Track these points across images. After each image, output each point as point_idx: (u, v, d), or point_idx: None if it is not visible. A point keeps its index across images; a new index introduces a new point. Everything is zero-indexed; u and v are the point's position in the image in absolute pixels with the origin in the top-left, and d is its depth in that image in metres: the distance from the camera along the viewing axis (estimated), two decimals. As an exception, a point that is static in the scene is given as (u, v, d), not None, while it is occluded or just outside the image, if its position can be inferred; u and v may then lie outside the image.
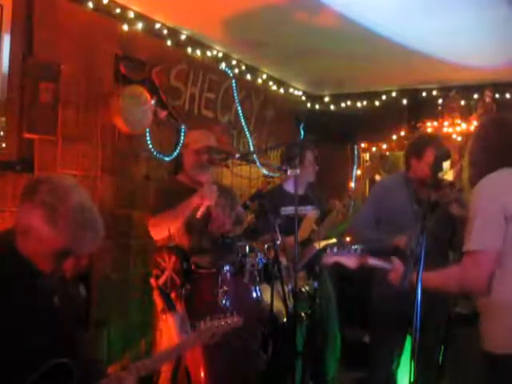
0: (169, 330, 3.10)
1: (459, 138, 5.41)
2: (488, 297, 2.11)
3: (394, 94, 5.83)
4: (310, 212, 4.01)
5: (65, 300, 1.90)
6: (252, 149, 5.24)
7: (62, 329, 1.85)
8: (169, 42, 4.22)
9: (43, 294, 1.83)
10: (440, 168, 2.46)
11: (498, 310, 2.11)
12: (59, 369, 1.76)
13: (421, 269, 2.10)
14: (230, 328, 2.33)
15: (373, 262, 2.50)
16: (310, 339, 3.61)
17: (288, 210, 3.85)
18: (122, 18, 3.80)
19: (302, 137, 5.86)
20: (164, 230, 3.10)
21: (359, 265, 2.51)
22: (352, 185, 6.14)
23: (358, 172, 6.18)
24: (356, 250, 2.51)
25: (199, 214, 3.14)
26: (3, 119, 3.05)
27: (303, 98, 6.17)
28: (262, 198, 3.29)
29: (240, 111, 5.11)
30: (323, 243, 3.96)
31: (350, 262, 2.52)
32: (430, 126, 5.64)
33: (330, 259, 2.56)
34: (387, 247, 3.18)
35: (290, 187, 4.01)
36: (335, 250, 2.53)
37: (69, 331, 1.89)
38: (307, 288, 3.57)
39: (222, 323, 2.31)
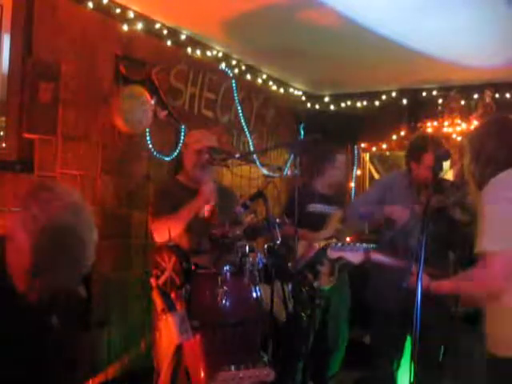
0: (169, 330, 3.10)
1: (459, 138, 5.41)
2: (498, 301, 2.07)
3: (394, 94, 5.83)
4: (336, 211, 4.09)
5: (66, 316, 1.78)
6: (252, 149, 5.24)
7: (58, 347, 1.75)
8: (169, 42, 4.22)
9: (32, 314, 1.67)
10: (440, 168, 2.46)
11: (507, 313, 2.08)
12: None
13: (421, 269, 2.10)
14: (258, 381, 2.10)
15: (377, 257, 2.52)
16: (316, 339, 3.62)
17: (316, 207, 3.95)
18: (122, 17, 3.80)
19: (302, 136, 5.88)
20: (165, 235, 3.09)
21: (363, 260, 2.53)
22: (352, 185, 6.15)
23: (358, 172, 6.19)
24: (360, 246, 2.54)
25: (206, 213, 3.19)
26: (3, 119, 3.05)
27: (303, 98, 6.17)
28: (264, 197, 3.28)
29: (240, 111, 5.11)
30: (323, 243, 3.97)
31: (353, 257, 2.55)
32: (429, 126, 5.64)
33: (334, 254, 2.60)
34: (379, 218, 3.24)
35: (318, 186, 4.14)
36: (340, 245, 2.57)
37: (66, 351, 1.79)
38: (307, 288, 3.57)
39: (250, 375, 2.09)
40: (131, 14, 3.83)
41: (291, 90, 5.93)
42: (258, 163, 4.71)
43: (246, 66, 5.11)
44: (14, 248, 1.60)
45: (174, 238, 3.13)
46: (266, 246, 3.29)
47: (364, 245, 2.56)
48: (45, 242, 1.55)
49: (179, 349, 3.03)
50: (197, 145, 3.39)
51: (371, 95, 5.95)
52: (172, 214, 3.16)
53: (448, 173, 3.25)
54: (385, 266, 2.53)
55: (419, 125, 5.70)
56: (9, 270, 1.62)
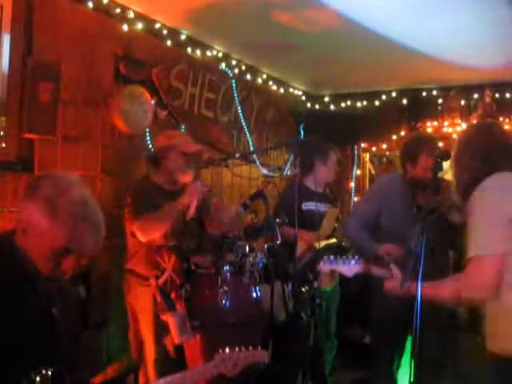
0: (148, 329, 3.12)
1: (459, 138, 5.40)
2: (497, 301, 2.07)
3: (393, 94, 5.84)
4: (331, 209, 4.09)
5: (64, 308, 1.84)
6: (252, 149, 5.25)
7: (58, 336, 1.80)
8: (169, 42, 4.22)
9: (42, 299, 1.77)
10: (440, 168, 2.45)
11: (507, 314, 2.08)
12: (53, 377, 1.70)
13: (421, 269, 2.09)
14: (254, 362, 2.17)
15: (375, 270, 2.49)
16: (313, 339, 3.62)
17: (309, 205, 3.95)
18: (122, 18, 3.79)
19: (302, 136, 5.88)
20: (151, 233, 3.03)
21: (357, 273, 2.49)
22: (352, 185, 6.15)
23: (358, 172, 6.20)
24: (352, 258, 2.48)
25: (190, 214, 3.10)
26: (3, 119, 3.04)
27: (303, 97, 6.17)
28: (264, 197, 3.28)
29: (240, 111, 5.11)
30: (323, 243, 3.97)
31: (347, 270, 2.49)
32: (429, 126, 5.66)
33: (326, 267, 2.54)
34: (369, 254, 3.20)
35: (309, 183, 4.14)
36: (332, 258, 2.50)
37: (65, 340, 1.82)
38: (307, 288, 3.57)
39: (246, 355, 2.14)
40: (131, 14, 3.83)
41: (291, 89, 5.93)
42: (258, 163, 4.71)
43: (246, 65, 5.11)
44: (33, 237, 1.69)
45: (159, 237, 3.07)
46: (265, 245, 3.30)
47: (356, 257, 2.49)
48: (68, 217, 1.67)
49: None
50: (188, 147, 3.28)
51: (371, 95, 5.95)
52: (155, 212, 3.04)
53: (448, 173, 3.23)
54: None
55: (419, 125, 5.71)
56: (30, 258, 1.71)
